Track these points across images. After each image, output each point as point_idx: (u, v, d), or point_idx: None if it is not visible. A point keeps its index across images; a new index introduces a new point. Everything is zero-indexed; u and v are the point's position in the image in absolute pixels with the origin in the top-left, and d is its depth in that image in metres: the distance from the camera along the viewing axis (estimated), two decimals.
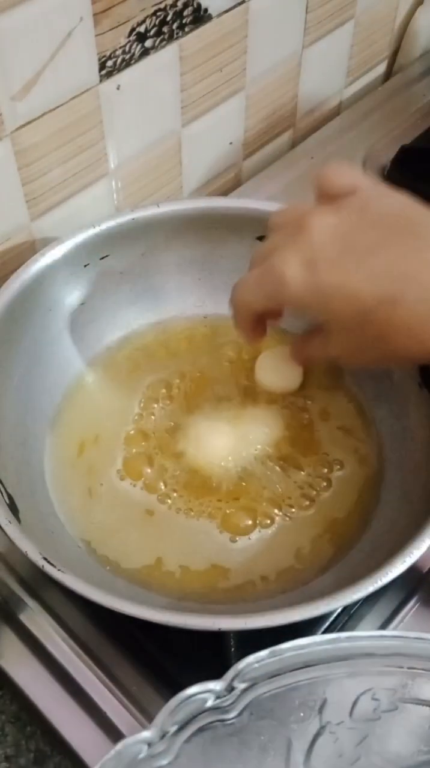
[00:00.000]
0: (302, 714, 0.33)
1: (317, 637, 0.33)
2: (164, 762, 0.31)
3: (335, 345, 0.42)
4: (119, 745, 0.30)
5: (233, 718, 0.32)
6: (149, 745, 0.31)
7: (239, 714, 0.32)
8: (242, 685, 0.32)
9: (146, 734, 0.31)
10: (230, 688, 0.32)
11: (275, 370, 0.51)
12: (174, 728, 0.31)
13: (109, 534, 0.46)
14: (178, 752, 0.31)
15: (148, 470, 0.48)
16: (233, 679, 0.32)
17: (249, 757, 0.33)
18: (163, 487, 0.47)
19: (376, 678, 0.33)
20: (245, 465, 0.48)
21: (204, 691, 0.32)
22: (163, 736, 0.31)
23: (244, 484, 0.48)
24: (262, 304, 0.43)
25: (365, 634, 0.34)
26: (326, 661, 0.33)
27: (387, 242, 0.38)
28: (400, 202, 0.40)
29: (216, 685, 0.32)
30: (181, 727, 0.31)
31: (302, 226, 0.40)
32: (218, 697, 0.32)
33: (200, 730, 0.32)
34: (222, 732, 0.32)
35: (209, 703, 0.32)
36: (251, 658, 0.32)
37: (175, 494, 0.47)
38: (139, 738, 0.31)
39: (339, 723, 0.33)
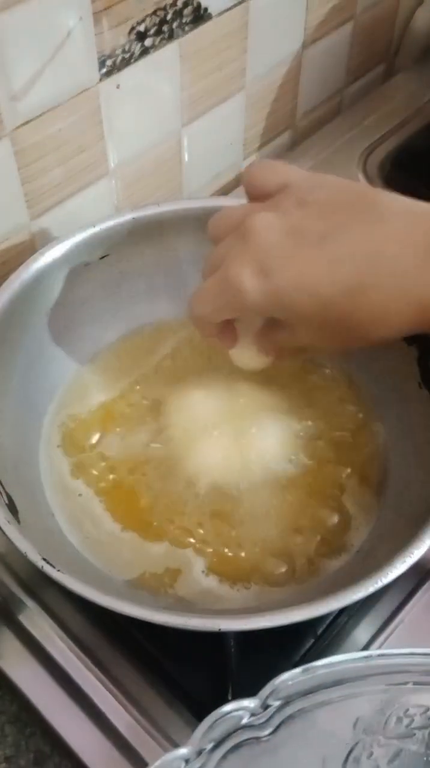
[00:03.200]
0: (335, 731, 0.33)
1: (350, 655, 0.34)
2: None
3: (304, 336, 0.41)
4: (158, 762, 0.31)
5: (267, 735, 0.33)
6: (186, 762, 0.31)
7: (274, 731, 0.33)
8: (277, 703, 0.32)
9: (184, 751, 0.32)
10: (265, 706, 0.32)
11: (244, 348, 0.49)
12: (210, 745, 0.32)
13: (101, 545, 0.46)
14: None
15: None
16: (267, 697, 0.33)
17: None
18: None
19: (409, 695, 0.33)
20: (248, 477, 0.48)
21: (239, 709, 0.32)
22: (199, 753, 0.32)
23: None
24: (221, 315, 0.42)
25: (397, 651, 0.34)
26: (359, 678, 0.33)
27: (341, 226, 0.37)
28: (338, 184, 0.39)
29: (251, 703, 0.33)
30: (217, 745, 0.32)
31: (246, 230, 0.38)
32: (252, 715, 0.32)
33: (236, 747, 0.32)
34: (257, 749, 0.33)
35: (244, 721, 0.32)
36: (285, 676, 0.33)
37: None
38: (177, 755, 0.31)
39: (373, 739, 0.33)
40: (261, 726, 0.33)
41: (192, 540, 0.46)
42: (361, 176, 0.67)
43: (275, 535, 0.46)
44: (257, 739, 0.32)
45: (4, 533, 0.39)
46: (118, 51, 0.50)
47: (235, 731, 0.32)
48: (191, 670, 0.44)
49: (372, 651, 0.34)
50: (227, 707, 0.32)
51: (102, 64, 0.49)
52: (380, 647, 0.44)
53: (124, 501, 0.47)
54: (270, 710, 0.32)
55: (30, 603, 0.45)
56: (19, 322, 0.48)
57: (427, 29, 0.77)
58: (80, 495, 0.48)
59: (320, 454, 0.49)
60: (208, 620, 0.37)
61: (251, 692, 0.42)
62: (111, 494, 0.48)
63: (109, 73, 0.50)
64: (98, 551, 0.46)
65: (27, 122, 0.47)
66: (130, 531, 0.46)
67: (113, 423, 0.50)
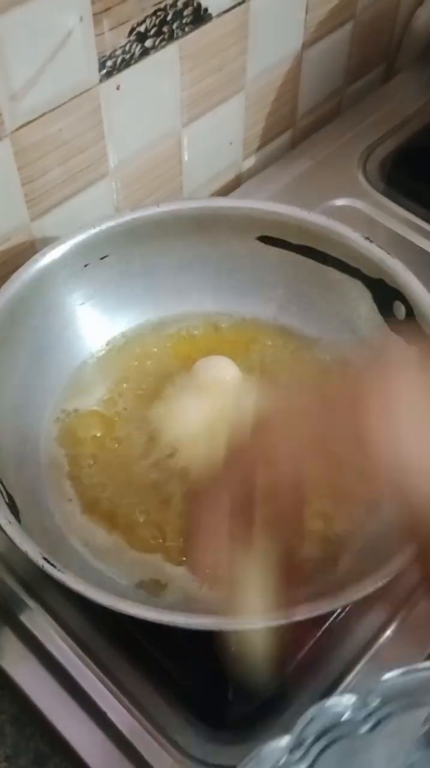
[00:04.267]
0: None
1: None
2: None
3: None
4: (259, 750, 0.32)
5: (365, 733, 0.33)
6: (290, 752, 0.32)
7: (372, 729, 0.33)
8: (376, 701, 0.33)
9: (285, 741, 0.32)
10: (365, 704, 0.33)
11: None
12: (310, 738, 0.32)
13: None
14: (313, 761, 0.32)
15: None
16: (367, 695, 0.33)
17: None
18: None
19: None
20: None
21: (340, 704, 0.32)
22: (299, 745, 0.32)
23: None
24: None
25: None
26: None
27: None
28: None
29: (351, 699, 0.33)
30: (317, 738, 0.32)
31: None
32: (352, 711, 0.33)
33: (334, 741, 0.33)
34: (355, 745, 0.33)
35: (345, 717, 0.33)
36: (386, 676, 0.33)
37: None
38: (279, 744, 0.32)
39: None
40: (360, 723, 0.33)
41: (185, 558, 0.45)
42: (361, 176, 0.67)
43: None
44: (355, 735, 0.33)
45: (4, 533, 0.39)
46: (119, 52, 0.50)
47: (334, 726, 0.33)
48: (191, 670, 0.44)
49: None
50: (329, 702, 0.33)
51: (102, 64, 0.49)
52: (379, 647, 0.44)
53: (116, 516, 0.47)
54: (369, 708, 0.33)
55: (31, 603, 0.45)
56: (19, 322, 0.48)
57: (427, 29, 0.77)
58: (70, 500, 0.48)
59: None
60: (209, 620, 0.37)
61: (250, 692, 0.43)
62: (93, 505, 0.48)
63: (109, 74, 0.50)
64: (98, 554, 0.46)
65: (27, 122, 0.47)
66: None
67: (112, 424, 0.51)
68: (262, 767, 0.32)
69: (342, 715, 0.32)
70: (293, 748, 0.32)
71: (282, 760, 0.32)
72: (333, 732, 0.33)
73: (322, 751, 0.32)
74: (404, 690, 0.33)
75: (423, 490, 0.29)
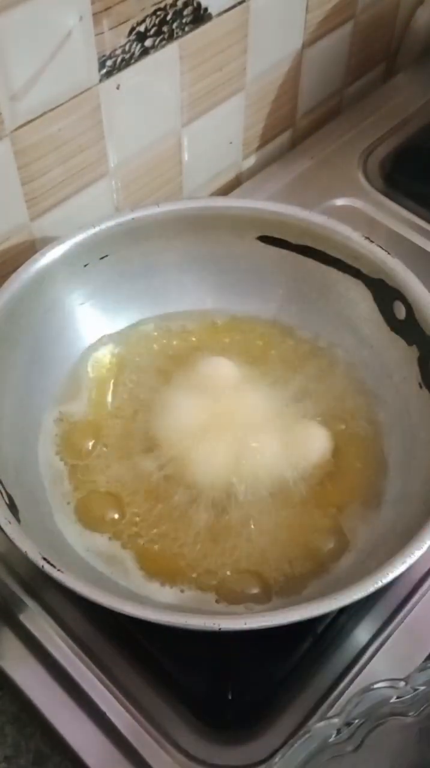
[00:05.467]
0: None
1: None
2: (350, 748, 0.33)
3: None
4: (311, 729, 0.33)
5: (412, 717, 0.34)
6: (338, 732, 0.33)
7: (418, 714, 0.34)
8: (423, 687, 0.33)
9: (335, 720, 0.33)
10: (413, 689, 0.33)
11: None
12: (359, 719, 0.33)
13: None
14: (361, 741, 0.33)
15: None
16: (414, 680, 0.34)
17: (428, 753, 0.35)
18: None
19: None
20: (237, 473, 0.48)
21: (388, 687, 0.34)
22: (349, 725, 0.33)
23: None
24: None
25: None
26: None
27: None
28: None
29: (399, 683, 0.34)
30: (366, 719, 0.33)
31: None
32: (399, 697, 0.34)
33: (382, 723, 0.34)
34: (402, 726, 0.34)
35: (393, 699, 0.34)
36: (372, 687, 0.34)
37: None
38: (330, 723, 0.33)
39: None
40: (407, 707, 0.34)
41: (194, 575, 0.45)
42: (361, 176, 0.67)
43: (276, 546, 0.46)
44: (403, 717, 0.34)
45: (4, 533, 0.39)
46: (118, 51, 0.50)
47: (382, 708, 0.33)
48: (191, 670, 0.44)
49: None
50: (378, 684, 0.34)
51: (102, 64, 0.49)
52: (379, 647, 0.44)
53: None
54: (418, 693, 0.33)
55: (30, 603, 0.45)
56: (19, 322, 0.48)
57: (427, 29, 0.77)
58: (68, 503, 0.47)
59: None
60: (209, 620, 0.37)
61: (250, 692, 0.43)
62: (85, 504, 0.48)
63: (109, 74, 0.50)
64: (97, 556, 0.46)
65: (27, 122, 0.47)
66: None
67: (112, 424, 0.50)
68: (312, 744, 0.33)
69: (390, 697, 0.34)
70: (341, 728, 0.33)
71: (332, 738, 0.33)
72: (380, 714, 0.34)
73: (371, 731, 0.33)
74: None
75: None
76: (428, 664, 0.34)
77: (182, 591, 0.44)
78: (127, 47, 0.50)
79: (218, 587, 0.44)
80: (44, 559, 0.38)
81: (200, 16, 0.54)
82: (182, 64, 0.55)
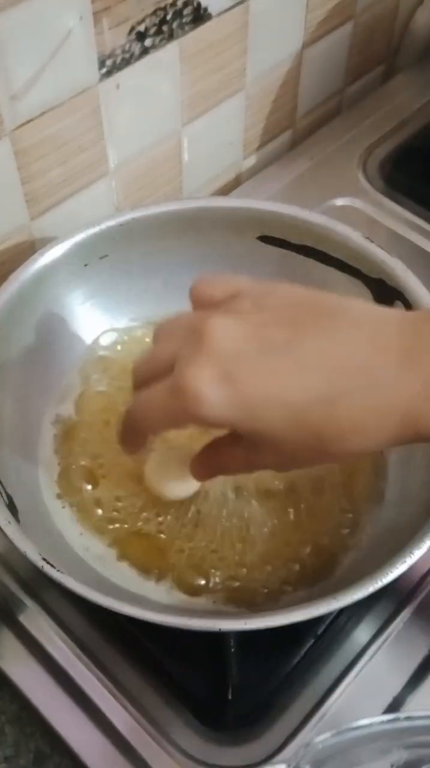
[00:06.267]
0: None
1: (378, 717, 0.33)
2: None
3: (265, 456, 0.36)
4: None
5: None
6: None
7: None
8: (307, 767, 0.33)
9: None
10: None
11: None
12: None
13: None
14: None
15: None
16: (299, 760, 0.33)
17: None
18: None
19: None
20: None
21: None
22: None
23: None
24: (167, 425, 0.38)
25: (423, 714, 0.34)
26: (386, 738, 0.33)
27: (306, 332, 0.34)
28: (293, 290, 0.36)
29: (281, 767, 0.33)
30: None
31: (202, 334, 0.34)
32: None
33: None
34: None
35: None
36: (316, 740, 0.33)
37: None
38: None
39: None
40: None
41: (203, 582, 0.45)
42: (361, 176, 0.67)
43: (277, 548, 0.46)
44: None
45: (4, 533, 0.39)
46: (118, 51, 0.50)
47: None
48: (191, 670, 0.44)
49: (399, 714, 0.34)
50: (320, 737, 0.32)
51: (102, 64, 0.49)
52: (379, 648, 0.44)
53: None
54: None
55: (30, 603, 0.45)
56: (19, 322, 0.48)
57: (427, 29, 0.77)
58: (64, 508, 0.47)
59: None
60: (209, 620, 0.37)
61: (250, 693, 0.43)
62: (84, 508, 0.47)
63: (109, 73, 0.50)
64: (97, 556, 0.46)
65: (27, 122, 0.47)
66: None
67: (111, 423, 0.50)
68: None
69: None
70: None
71: None
72: None
73: None
74: (334, 752, 0.33)
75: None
76: (310, 744, 0.33)
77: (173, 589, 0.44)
78: (127, 47, 0.50)
79: (218, 588, 0.44)
80: (44, 559, 0.38)
81: (200, 16, 0.54)
82: (182, 64, 0.55)
